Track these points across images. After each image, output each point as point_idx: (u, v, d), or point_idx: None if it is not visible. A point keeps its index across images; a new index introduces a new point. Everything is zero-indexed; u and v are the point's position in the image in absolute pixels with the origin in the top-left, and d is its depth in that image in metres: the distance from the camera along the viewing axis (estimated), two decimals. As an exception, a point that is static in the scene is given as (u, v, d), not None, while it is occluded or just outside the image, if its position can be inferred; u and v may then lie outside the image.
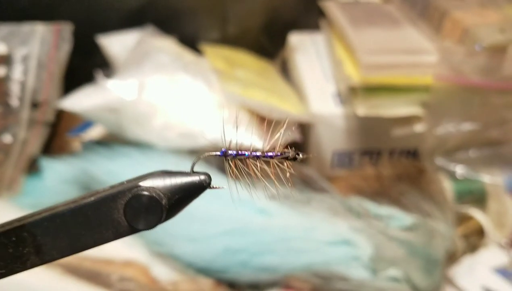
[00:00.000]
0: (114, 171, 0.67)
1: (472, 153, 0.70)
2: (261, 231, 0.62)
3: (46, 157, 0.69)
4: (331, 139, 0.78)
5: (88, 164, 0.68)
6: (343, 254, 0.60)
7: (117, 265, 0.61)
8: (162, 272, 0.61)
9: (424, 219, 0.66)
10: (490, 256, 0.67)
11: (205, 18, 0.92)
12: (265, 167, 0.29)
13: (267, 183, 0.29)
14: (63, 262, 0.59)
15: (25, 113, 0.73)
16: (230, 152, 0.29)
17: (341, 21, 0.82)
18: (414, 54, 0.71)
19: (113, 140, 0.74)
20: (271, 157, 0.29)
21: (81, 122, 0.82)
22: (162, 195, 0.27)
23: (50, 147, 0.77)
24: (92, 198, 0.27)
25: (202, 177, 0.28)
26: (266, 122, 0.72)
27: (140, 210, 0.27)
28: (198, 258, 0.60)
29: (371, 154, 0.79)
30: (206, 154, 0.29)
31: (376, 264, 0.60)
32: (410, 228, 0.65)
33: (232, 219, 0.62)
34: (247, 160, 0.29)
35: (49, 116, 0.74)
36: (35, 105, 0.74)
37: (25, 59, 0.76)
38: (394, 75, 0.70)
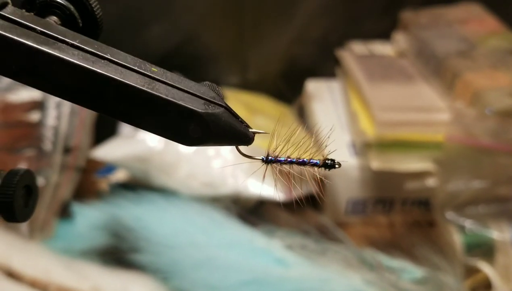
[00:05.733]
0: (140, 217, 0.71)
1: (481, 208, 0.73)
2: (279, 282, 0.65)
3: (77, 201, 0.74)
4: (346, 188, 0.81)
5: (116, 209, 0.72)
6: (357, 307, 0.63)
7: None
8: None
9: (434, 272, 0.69)
10: (497, 309, 0.70)
11: (226, 64, 0.97)
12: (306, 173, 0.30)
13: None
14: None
15: (57, 158, 0.77)
16: (280, 158, 0.30)
17: (356, 74, 0.86)
18: (427, 113, 0.75)
19: (139, 184, 0.78)
20: (316, 164, 0.31)
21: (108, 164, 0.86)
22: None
23: (78, 185, 0.81)
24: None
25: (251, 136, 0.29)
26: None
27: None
28: (219, 307, 0.63)
29: (384, 202, 0.82)
30: (252, 159, 0.30)
31: (387, 317, 0.63)
32: (420, 281, 0.68)
33: (251, 268, 0.66)
34: (290, 167, 0.30)
35: (81, 161, 0.78)
36: (67, 150, 0.78)
37: (58, 105, 0.80)
38: (408, 132, 0.74)
